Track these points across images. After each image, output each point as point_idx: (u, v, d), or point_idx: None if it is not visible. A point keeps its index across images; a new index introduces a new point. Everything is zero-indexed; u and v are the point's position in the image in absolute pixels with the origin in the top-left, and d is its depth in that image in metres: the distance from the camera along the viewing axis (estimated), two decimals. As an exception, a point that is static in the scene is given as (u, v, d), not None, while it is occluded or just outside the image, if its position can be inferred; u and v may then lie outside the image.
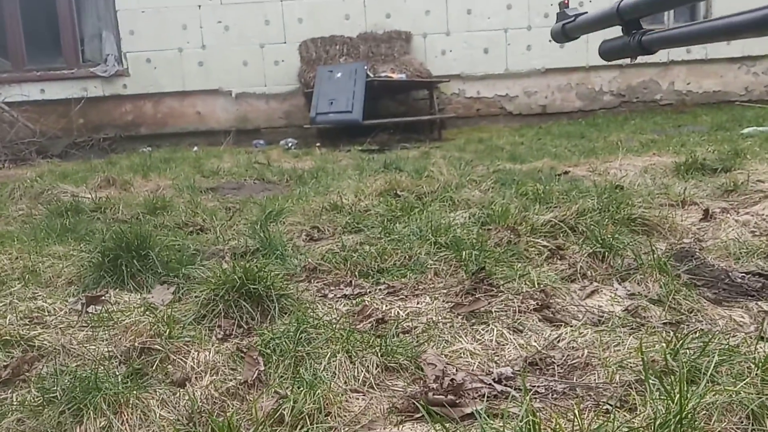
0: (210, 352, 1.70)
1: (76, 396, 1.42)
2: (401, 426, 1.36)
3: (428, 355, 1.64)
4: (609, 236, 2.44)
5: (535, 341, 1.74)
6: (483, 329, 1.81)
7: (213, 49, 8.97)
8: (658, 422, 1.16)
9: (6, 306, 2.08)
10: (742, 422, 1.21)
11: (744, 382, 1.31)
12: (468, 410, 1.37)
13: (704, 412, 1.22)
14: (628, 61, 9.10)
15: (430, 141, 7.99)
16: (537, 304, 1.96)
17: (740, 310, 1.92)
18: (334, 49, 8.86)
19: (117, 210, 3.80)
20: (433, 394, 1.42)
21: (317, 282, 2.33)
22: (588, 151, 5.63)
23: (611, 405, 1.35)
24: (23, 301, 2.14)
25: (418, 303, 2.04)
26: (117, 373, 1.61)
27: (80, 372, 1.55)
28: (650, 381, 1.38)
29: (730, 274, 2.19)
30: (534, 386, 1.48)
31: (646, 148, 5.40)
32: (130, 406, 1.42)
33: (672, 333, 1.69)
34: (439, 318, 1.90)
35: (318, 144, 7.76)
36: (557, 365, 1.59)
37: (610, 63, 8.99)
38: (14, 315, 1.99)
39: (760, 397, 1.24)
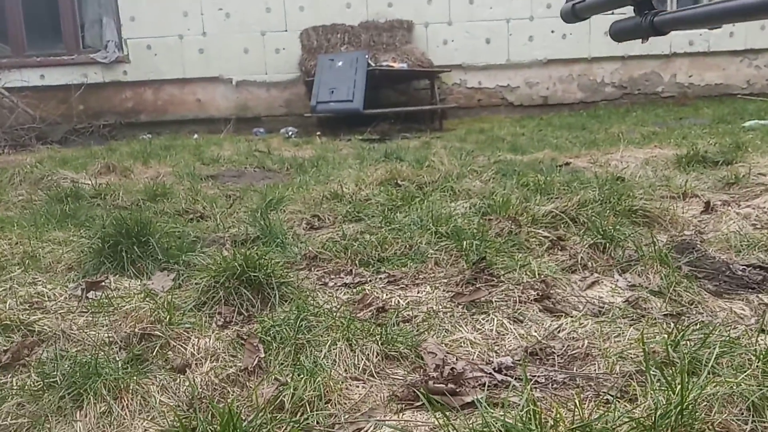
0: (210, 339, 1.70)
1: (76, 381, 1.42)
2: (401, 414, 1.36)
3: (428, 344, 1.64)
4: (610, 227, 2.44)
5: (536, 331, 1.75)
6: (483, 319, 1.81)
7: (214, 37, 8.92)
8: (658, 413, 1.16)
9: (6, 291, 2.08)
10: (742, 414, 1.21)
11: (745, 373, 1.31)
12: (468, 399, 1.37)
13: (705, 403, 1.22)
14: (630, 52, 8.98)
15: (431, 131, 7.97)
16: (537, 294, 1.96)
17: (741, 302, 1.92)
18: (335, 37, 8.81)
19: (117, 196, 3.79)
20: (434, 383, 1.42)
21: (318, 270, 2.33)
22: (589, 142, 5.62)
23: (612, 395, 1.35)
24: (23, 286, 2.14)
25: (418, 292, 2.04)
26: (117, 359, 1.61)
27: (80, 357, 1.55)
28: (651, 372, 1.38)
29: (731, 266, 2.19)
30: (534, 376, 1.48)
31: (648, 140, 5.39)
32: (130, 391, 1.43)
33: (673, 324, 1.70)
34: (440, 307, 1.90)
35: (318, 133, 7.74)
36: (557, 355, 1.60)
37: (612, 55, 8.97)
38: (14, 300, 1.99)
39: (761, 389, 1.24)
